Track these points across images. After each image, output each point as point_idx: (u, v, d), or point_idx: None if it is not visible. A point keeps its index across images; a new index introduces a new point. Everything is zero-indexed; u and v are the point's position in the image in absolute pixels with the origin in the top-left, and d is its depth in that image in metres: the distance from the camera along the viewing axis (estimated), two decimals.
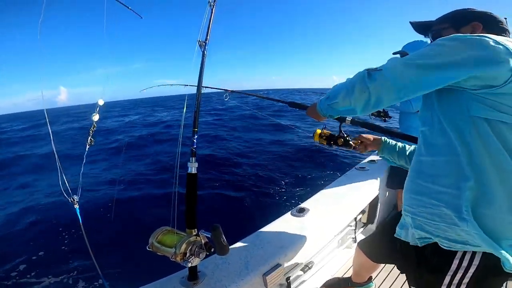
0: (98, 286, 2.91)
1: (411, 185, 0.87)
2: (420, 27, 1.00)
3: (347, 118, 1.28)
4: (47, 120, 0.88)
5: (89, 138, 0.96)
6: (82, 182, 0.89)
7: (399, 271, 1.18)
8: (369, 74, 0.77)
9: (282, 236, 1.39)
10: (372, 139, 1.34)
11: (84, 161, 0.94)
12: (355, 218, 1.94)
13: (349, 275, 1.57)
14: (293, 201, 4.61)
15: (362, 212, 2.06)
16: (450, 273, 0.77)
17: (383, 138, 1.34)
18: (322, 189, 1.94)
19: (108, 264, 3.18)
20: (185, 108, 1.07)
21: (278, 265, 1.21)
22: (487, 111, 0.68)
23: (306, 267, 1.45)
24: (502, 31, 0.82)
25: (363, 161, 2.54)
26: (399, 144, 1.31)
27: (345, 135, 1.28)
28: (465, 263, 0.74)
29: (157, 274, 1.13)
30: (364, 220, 2.23)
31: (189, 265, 0.92)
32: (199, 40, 1.02)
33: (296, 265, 1.37)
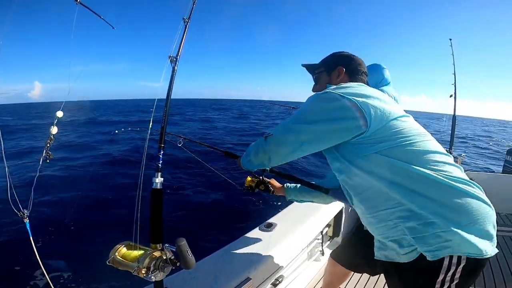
0: None
1: (366, 221, 0.90)
2: (309, 69, 1.09)
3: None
4: None
5: (44, 152, 0.91)
6: (34, 195, 0.82)
7: (367, 283, 1.18)
8: (265, 139, 0.90)
9: (251, 250, 1.38)
10: (277, 186, 1.44)
11: (36, 175, 0.88)
12: (321, 232, 2.01)
13: None
14: (260, 217, 4.60)
15: (328, 225, 2.13)
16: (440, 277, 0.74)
17: (285, 185, 1.44)
18: (288, 205, 1.99)
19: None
20: (153, 113, 1.07)
21: (248, 279, 1.19)
22: (375, 147, 0.76)
23: (277, 281, 1.44)
24: (359, 73, 0.94)
25: None
26: (298, 185, 1.38)
27: (266, 182, 1.43)
28: (453, 267, 0.72)
29: None
30: (330, 233, 2.31)
31: (154, 279, 0.87)
32: (170, 56, 1.02)
33: (266, 279, 1.35)
